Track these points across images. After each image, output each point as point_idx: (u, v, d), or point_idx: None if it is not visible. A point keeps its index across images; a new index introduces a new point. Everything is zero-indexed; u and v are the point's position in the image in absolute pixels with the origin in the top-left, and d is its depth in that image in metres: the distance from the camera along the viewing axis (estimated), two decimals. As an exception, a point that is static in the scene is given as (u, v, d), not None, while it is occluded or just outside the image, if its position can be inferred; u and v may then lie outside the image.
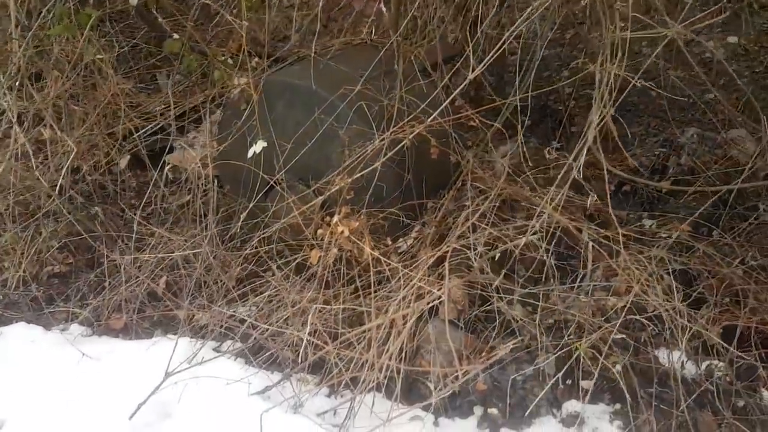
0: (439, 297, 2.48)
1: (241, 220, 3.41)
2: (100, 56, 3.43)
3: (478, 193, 3.53)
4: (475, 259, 2.73)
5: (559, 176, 3.00)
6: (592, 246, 2.98)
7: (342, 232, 2.74)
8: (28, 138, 3.21)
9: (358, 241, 2.73)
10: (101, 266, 3.69)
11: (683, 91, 4.82)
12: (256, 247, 3.29)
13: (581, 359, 2.53)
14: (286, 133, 3.52)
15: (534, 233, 2.65)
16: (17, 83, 3.23)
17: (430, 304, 2.50)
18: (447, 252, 2.74)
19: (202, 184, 3.69)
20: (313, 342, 2.66)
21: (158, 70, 6.15)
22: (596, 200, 3.79)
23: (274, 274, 3.24)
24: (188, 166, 4.19)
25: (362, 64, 3.70)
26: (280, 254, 3.40)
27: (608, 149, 4.48)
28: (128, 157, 3.99)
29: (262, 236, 3.35)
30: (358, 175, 3.11)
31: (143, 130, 4.70)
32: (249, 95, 3.37)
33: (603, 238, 3.20)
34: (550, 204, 2.86)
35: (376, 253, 2.71)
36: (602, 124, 4.54)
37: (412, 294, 2.56)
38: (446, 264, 2.62)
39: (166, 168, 4.22)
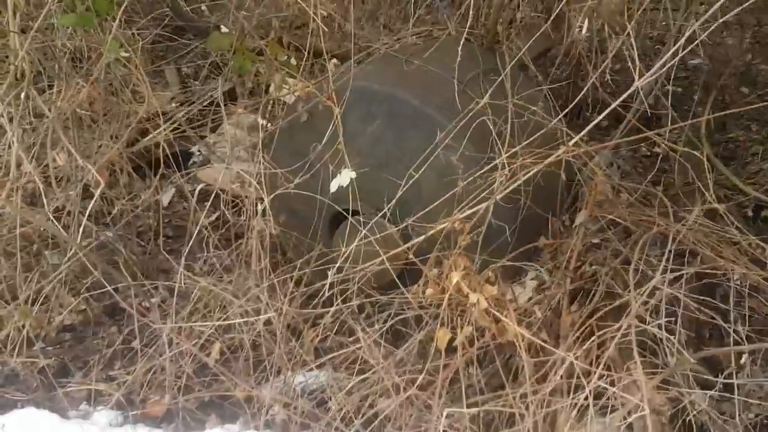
0: (638, 407, 1.74)
1: (310, 266, 2.65)
2: (126, 53, 2.63)
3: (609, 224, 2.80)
4: (669, 343, 1.99)
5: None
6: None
7: (477, 302, 2.00)
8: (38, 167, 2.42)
9: (500, 315, 1.99)
10: (123, 316, 2.95)
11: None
12: (334, 303, 2.54)
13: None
14: (361, 153, 2.77)
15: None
16: (22, 93, 2.42)
17: (627, 421, 1.77)
18: (625, 330, 1.99)
19: (252, 212, 2.91)
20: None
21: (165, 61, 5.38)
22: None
23: (358, 340, 2.48)
24: (227, 187, 3.44)
25: (453, 63, 2.94)
26: (361, 310, 2.67)
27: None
28: (173, 190, 3.19)
29: (336, 287, 2.59)
30: (473, 209, 2.37)
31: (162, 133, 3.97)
32: (320, 105, 2.60)
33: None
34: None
35: (525, 333, 1.97)
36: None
37: (588, 393, 1.83)
38: (635, 357, 1.88)
39: (198, 188, 3.46)
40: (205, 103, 4.70)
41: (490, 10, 3.28)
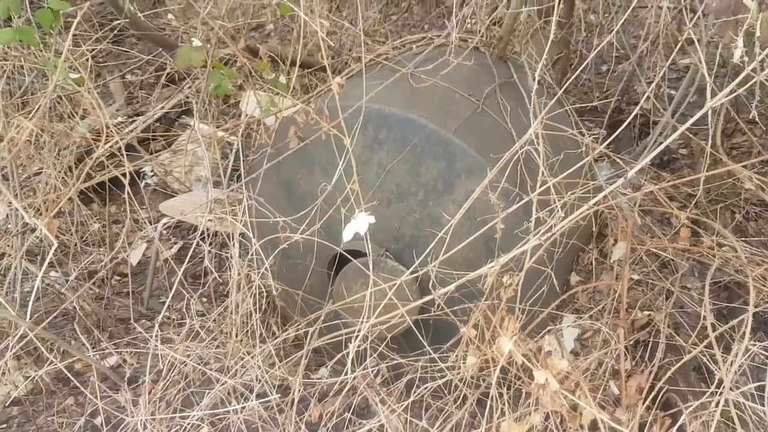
0: None
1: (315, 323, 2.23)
2: (74, 76, 2.14)
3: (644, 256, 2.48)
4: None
5: None
6: None
7: (545, 383, 1.62)
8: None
9: (575, 398, 1.62)
10: (78, 382, 2.47)
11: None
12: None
13: None
14: (366, 183, 2.36)
15: None
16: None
17: None
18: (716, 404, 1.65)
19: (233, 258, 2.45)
20: None
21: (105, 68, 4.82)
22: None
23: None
24: (197, 222, 2.96)
25: (464, 77, 2.55)
26: (375, 373, 2.26)
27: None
28: (144, 246, 2.69)
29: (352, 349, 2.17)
30: (511, 255, 1.98)
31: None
32: (323, 135, 2.17)
33: None
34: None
35: (605, 416, 1.60)
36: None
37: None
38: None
39: (161, 223, 2.97)
40: (156, 116, 4.23)
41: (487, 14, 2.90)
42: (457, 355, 1.91)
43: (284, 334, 2.31)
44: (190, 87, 3.59)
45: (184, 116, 4.51)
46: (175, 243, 3.68)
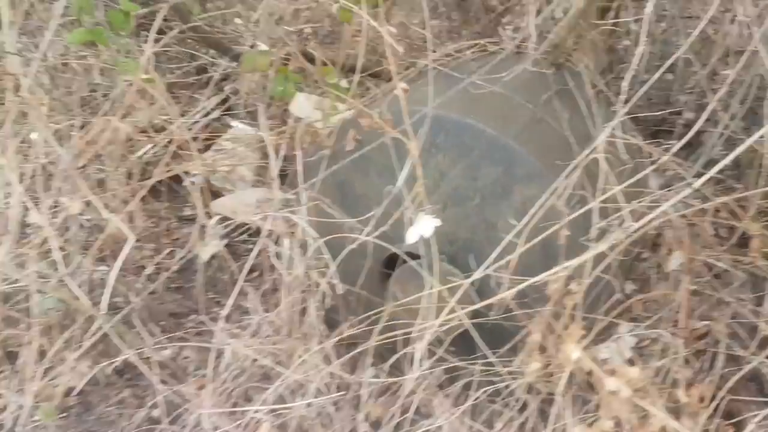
0: None
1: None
2: (147, 77, 2.18)
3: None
4: None
5: None
6: None
7: (618, 391, 1.63)
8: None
9: (647, 406, 1.63)
10: (134, 374, 2.52)
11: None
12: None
13: None
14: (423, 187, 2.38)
15: None
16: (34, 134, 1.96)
17: None
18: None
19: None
20: None
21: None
22: None
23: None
24: (249, 220, 3.01)
25: (521, 83, 2.57)
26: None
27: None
28: (215, 242, 2.73)
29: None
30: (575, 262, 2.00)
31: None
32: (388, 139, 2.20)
33: None
34: None
35: (677, 425, 1.62)
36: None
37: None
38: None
39: (212, 221, 3.01)
40: (198, 116, 4.28)
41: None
42: (522, 360, 1.93)
43: (339, 332, 2.34)
44: (235, 92, 3.65)
45: (225, 116, 4.59)
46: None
